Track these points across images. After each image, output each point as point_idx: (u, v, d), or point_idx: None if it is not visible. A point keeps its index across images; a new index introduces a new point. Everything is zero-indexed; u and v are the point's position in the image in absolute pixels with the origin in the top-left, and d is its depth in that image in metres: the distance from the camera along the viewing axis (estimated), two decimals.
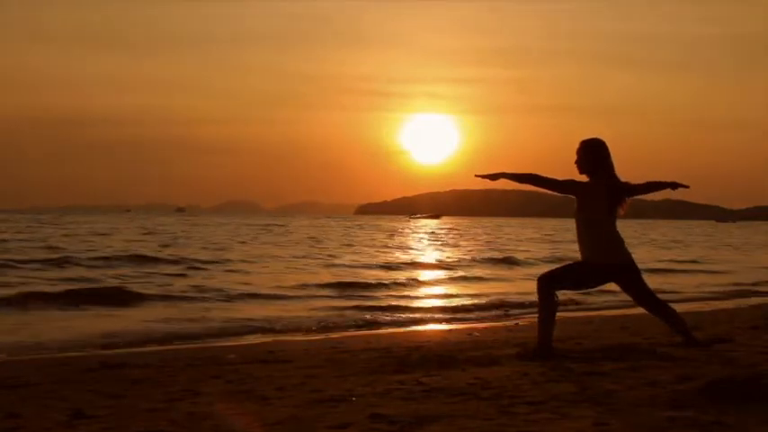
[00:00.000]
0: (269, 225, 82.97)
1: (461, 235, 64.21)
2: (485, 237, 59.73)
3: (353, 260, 29.02)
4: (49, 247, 31.47)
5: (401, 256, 31.99)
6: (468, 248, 40.21)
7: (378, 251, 36.16)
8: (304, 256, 30.54)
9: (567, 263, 6.95)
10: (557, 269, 6.95)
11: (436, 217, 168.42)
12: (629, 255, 6.73)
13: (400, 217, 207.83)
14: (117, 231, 53.83)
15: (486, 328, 10.89)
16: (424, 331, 11.40)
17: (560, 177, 6.75)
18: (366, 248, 38.82)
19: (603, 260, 6.64)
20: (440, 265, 27.44)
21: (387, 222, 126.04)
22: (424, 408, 4.83)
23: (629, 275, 6.71)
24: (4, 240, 36.25)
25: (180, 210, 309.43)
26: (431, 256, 33.55)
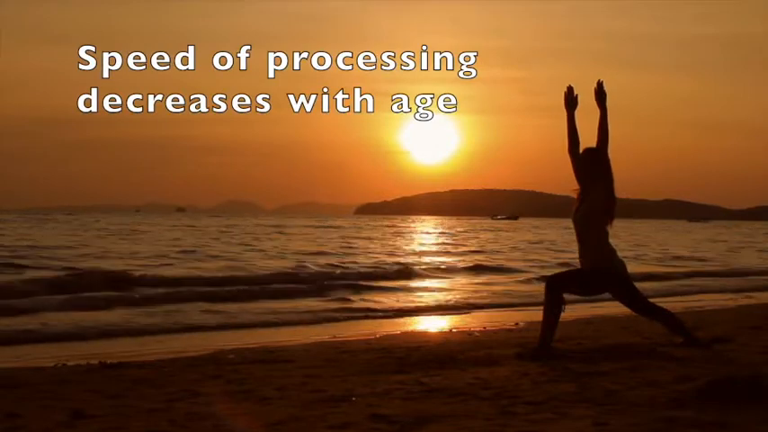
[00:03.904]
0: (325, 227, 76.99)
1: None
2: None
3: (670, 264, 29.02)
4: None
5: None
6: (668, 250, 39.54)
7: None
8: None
9: (575, 268, 6.98)
10: (565, 272, 7.05)
11: (515, 218, 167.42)
12: (622, 263, 6.78)
13: (406, 217, 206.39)
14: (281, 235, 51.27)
15: (486, 328, 10.89)
16: (424, 331, 11.40)
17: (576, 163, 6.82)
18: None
19: (601, 265, 6.68)
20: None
21: (469, 222, 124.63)
22: (424, 408, 4.83)
23: (623, 283, 6.74)
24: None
25: (180, 210, 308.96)
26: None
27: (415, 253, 33.68)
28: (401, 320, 13.28)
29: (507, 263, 27.93)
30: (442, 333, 10.69)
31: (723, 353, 6.61)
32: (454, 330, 10.81)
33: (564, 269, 7.21)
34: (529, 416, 4.56)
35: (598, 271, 6.68)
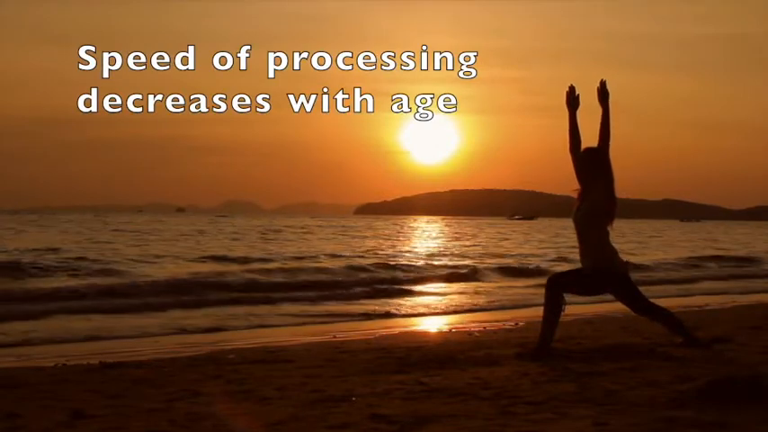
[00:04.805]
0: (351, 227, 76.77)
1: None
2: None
3: None
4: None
5: None
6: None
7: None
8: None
9: (576, 267, 6.98)
10: (566, 272, 7.08)
11: (531, 218, 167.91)
12: (624, 263, 6.78)
13: (406, 217, 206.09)
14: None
15: (486, 328, 10.89)
16: (424, 331, 11.40)
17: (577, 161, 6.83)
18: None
19: (601, 265, 6.68)
20: None
21: (485, 222, 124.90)
22: (424, 408, 4.83)
23: (624, 283, 6.74)
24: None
25: (180, 210, 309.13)
26: None
27: (465, 255, 32.72)
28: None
29: (550, 263, 27.85)
30: (441, 333, 10.69)
31: (723, 353, 6.61)
32: (454, 330, 10.81)
33: (569, 269, 7.21)
34: (529, 416, 4.56)
35: (599, 271, 6.68)
